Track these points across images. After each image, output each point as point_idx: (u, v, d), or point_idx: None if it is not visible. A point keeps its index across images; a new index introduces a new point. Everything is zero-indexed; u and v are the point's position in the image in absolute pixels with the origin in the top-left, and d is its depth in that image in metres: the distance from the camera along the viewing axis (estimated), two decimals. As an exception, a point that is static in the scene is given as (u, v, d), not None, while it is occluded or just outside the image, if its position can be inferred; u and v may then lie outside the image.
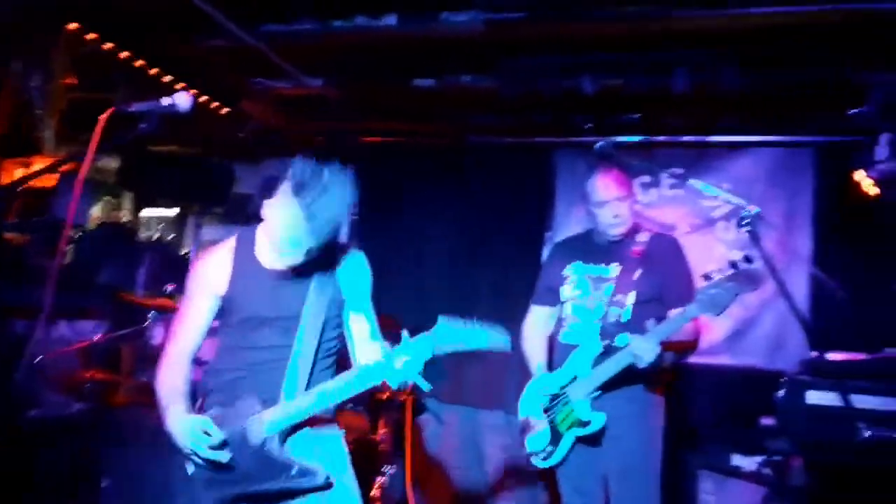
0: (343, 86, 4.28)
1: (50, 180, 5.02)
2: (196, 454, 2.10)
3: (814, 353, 2.82)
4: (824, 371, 2.49)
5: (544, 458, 2.95)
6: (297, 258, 2.16)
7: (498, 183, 4.98)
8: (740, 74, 3.62)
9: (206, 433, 2.08)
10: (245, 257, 2.30)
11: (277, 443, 2.11)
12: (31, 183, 4.81)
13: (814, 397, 2.58)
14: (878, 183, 3.96)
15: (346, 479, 2.26)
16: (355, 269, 2.35)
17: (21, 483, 3.46)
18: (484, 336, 2.01)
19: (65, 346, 4.02)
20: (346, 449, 2.32)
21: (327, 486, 2.11)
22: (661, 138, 4.62)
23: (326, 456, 2.23)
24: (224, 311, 2.31)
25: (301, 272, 2.24)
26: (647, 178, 4.68)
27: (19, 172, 4.95)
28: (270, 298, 2.24)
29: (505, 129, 4.86)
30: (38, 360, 3.59)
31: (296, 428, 2.18)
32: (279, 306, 2.23)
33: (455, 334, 1.99)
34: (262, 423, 2.12)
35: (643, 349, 2.62)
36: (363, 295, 2.35)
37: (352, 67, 4.07)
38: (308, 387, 2.19)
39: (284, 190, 2.07)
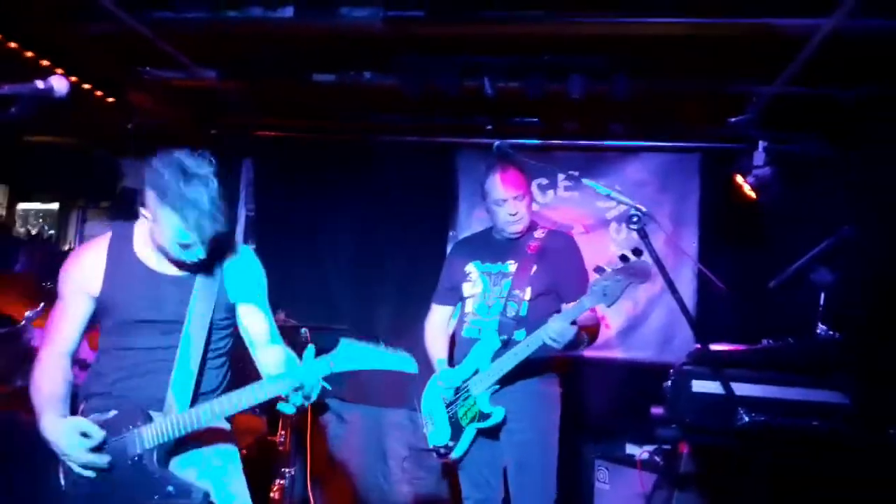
0: (238, 78, 4.13)
1: None
2: (73, 459, 2.01)
3: (698, 345, 2.98)
4: (708, 361, 2.63)
5: (445, 453, 2.99)
6: (184, 255, 2.09)
7: (401, 182, 4.97)
8: (631, 81, 3.76)
9: (83, 435, 2.00)
10: (121, 256, 2.21)
11: (155, 457, 2.05)
12: None
13: (699, 386, 2.72)
14: (754, 187, 4.23)
15: (232, 468, 2.25)
16: (244, 267, 2.30)
17: None
18: (388, 358, 2.01)
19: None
20: (239, 466, 2.28)
21: (204, 499, 2.05)
22: (558, 141, 4.76)
23: (217, 473, 2.19)
24: (101, 312, 2.21)
25: (184, 270, 2.19)
26: (544, 181, 4.82)
27: None
28: (150, 299, 2.16)
29: (407, 128, 4.86)
30: None
31: (183, 442, 2.11)
32: (161, 307, 2.16)
33: (358, 356, 2.00)
34: (141, 437, 2.05)
35: (557, 330, 2.66)
36: (255, 293, 2.29)
37: (248, 60, 3.94)
38: (197, 389, 2.13)
39: (162, 184, 2.01)
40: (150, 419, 2.07)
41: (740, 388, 2.51)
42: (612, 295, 2.57)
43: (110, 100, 4.13)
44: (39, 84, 1.90)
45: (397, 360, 2.01)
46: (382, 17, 3.24)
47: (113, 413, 2.09)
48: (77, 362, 3.78)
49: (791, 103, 3.89)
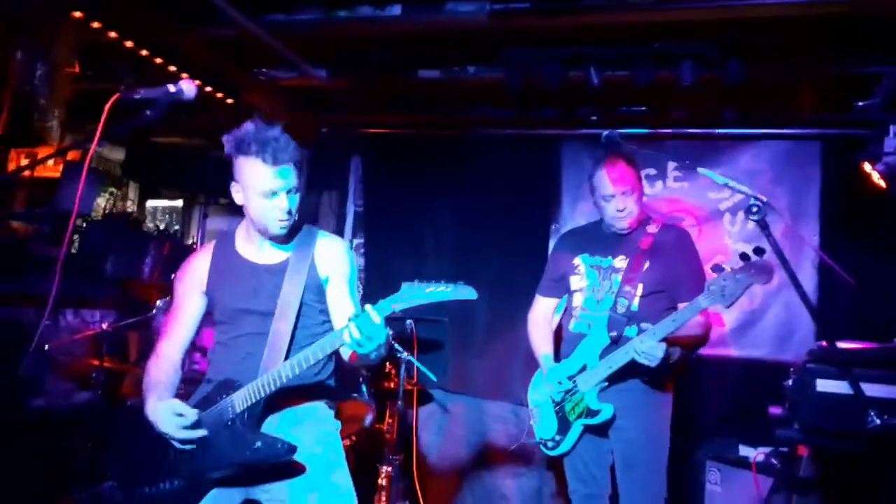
0: (347, 77, 4.26)
1: (54, 170, 5.03)
2: (171, 436, 2.19)
3: (822, 343, 2.80)
4: (834, 360, 2.47)
5: (552, 447, 2.98)
6: (275, 212, 2.24)
7: (503, 175, 4.96)
8: (746, 66, 3.59)
9: (179, 415, 2.18)
10: (224, 253, 2.41)
11: (246, 418, 2.20)
12: (37, 172, 4.83)
13: (823, 385, 2.55)
14: (884, 175, 3.93)
15: (333, 456, 2.32)
16: (332, 252, 2.40)
17: (24, 472, 3.47)
18: (447, 291, 2.05)
19: (70, 334, 4.04)
20: (341, 454, 2.36)
21: (291, 452, 2.17)
22: (667, 130, 4.60)
23: (318, 460, 2.27)
24: (211, 306, 2.41)
25: (277, 259, 2.35)
26: (652, 171, 4.65)
27: (25, 162, 4.96)
28: (249, 288, 2.33)
29: (510, 121, 4.85)
30: (45, 348, 3.60)
31: (273, 406, 2.25)
32: (258, 295, 2.31)
33: (417, 293, 2.03)
34: (232, 403, 2.22)
35: (645, 348, 2.63)
36: (343, 278, 2.39)
37: (356, 58, 4.05)
38: None
39: (238, 142, 2.23)
40: (240, 388, 2.23)
41: (870, 389, 2.35)
42: (731, 295, 2.48)
43: (230, 101, 4.36)
44: (170, 88, 2.04)
45: (456, 291, 2.05)
46: (489, 10, 3.25)
47: (209, 390, 2.29)
48: (199, 349, 4.04)
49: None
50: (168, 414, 2.18)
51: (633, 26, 3.46)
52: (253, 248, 2.38)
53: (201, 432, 2.20)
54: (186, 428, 2.18)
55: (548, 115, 4.70)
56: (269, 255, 2.37)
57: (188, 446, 2.21)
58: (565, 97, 4.25)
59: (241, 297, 2.33)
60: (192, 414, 2.19)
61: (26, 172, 4.86)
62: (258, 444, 2.16)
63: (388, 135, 5.20)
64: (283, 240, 2.36)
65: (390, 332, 2.13)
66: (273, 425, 2.28)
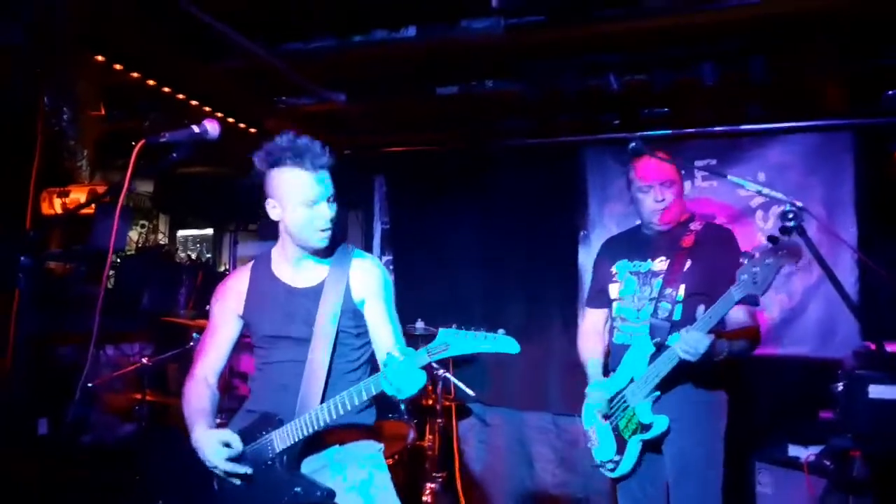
0: (366, 99, 4.29)
1: (87, 209, 5.12)
2: (215, 466, 2.16)
3: (870, 344, 2.71)
4: (885, 364, 2.39)
5: (612, 469, 2.80)
6: (316, 222, 2.18)
7: (528, 185, 4.95)
8: (769, 63, 3.53)
9: (226, 445, 2.15)
10: (261, 276, 2.35)
11: (285, 460, 2.16)
12: (69, 211, 4.93)
13: (876, 392, 2.47)
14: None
15: (382, 494, 2.26)
16: (367, 274, 2.31)
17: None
18: (487, 341, 1.96)
19: (111, 369, 4.10)
20: (387, 475, 2.31)
21: (330, 498, 2.13)
22: (691, 130, 4.53)
23: (363, 484, 2.23)
24: (250, 331, 2.37)
25: (313, 281, 2.28)
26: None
27: (58, 202, 5.06)
28: (285, 313, 2.27)
29: (531, 130, 4.83)
30: (90, 385, 3.66)
31: (314, 443, 2.20)
32: (294, 320, 2.26)
33: (456, 342, 1.95)
34: (272, 442, 2.18)
35: (690, 341, 2.46)
36: (380, 300, 2.30)
37: (374, 80, 4.08)
38: (324, 398, 2.19)
39: (272, 155, 2.19)
40: (280, 424, 2.19)
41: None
42: (763, 281, 2.32)
43: (252, 130, 4.41)
44: (195, 129, 2.07)
45: (497, 343, 1.97)
46: (503, 25, 3.24)
47: (249, 423, 2.25)
48: (239, 375, 4.08)
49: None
50: (215, 443, 2.15)
51: (650, 31, 3.42)
52: (289, 270, 2.31)
53: (245, 468, 2.16)
54: (231, 460, 2.15)
55: (569, 122, 4.68)
56: (305, 276, 2.30)
57: (232, 479, 2.18)
58: (586, 104, 4.22)
59: (277, 322, 2.27)
60: (238, 445, 2.15)
61: (60, 211, 4.96)
62: (297, 488, 2.13)
63: (410, 152, 5.23)
64: (322, 254, 2.29)
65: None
66: (318, 457, 2.24)
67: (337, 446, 2.26)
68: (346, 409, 2.08)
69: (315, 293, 2.26)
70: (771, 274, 2.32)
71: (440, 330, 1.95)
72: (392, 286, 2.36)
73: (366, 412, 2.29)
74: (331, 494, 2.13)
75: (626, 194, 2.98)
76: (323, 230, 2.20)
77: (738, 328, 2.65)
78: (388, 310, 2.29)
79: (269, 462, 2.18)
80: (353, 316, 2.27)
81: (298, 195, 2.15)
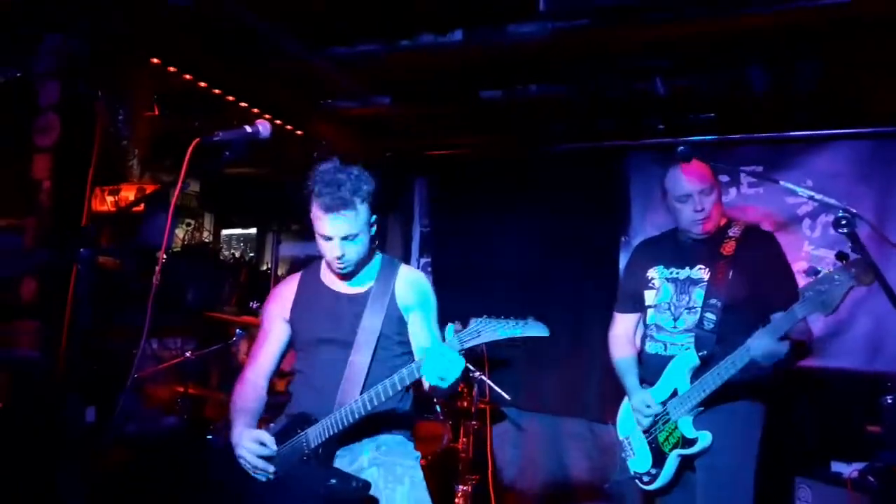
0: (410, 103, 4.32)
1: (137, 206, 5.27)
2: (246, 462, 2.23)
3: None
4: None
5: (649, 482, 2.73)
6: (334, 257, 2.23)
7: (570, 190, 4.93)
8: (818, 67, 3.46)
9: (260, 443, 2.23)
10: (310, 282, 2.44)
11: (320, 454, 2.22)
12: (121, 209, 5.08)
13: (925, 405, 2.41)
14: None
15: (412, 487, 2.29)
16: (412, 285, 2.37)
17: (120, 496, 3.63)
18: (518, 327, 1.99)
19: (155, 362, 4.20)
20: (421, 481, 2.33)
21: (365, 489, 2.18)
22: (738, 136, 4.47)
23: (398, 490, 2.26)
24: (294, 335, 2.44)
25: (359, 289, 2.35)
26: (725, 178, 4.52)
27: (109, 200, 5.22)
28: (330, 318, 2.34)
29: (574, 135, 4.81)
30: (136, 376, 3.76)
31: (353, 436, 2.25)
32: (338, 325, 2.32)
33: (488, 329, 2.00)
34: (308, 438, 2.24)
35: (765, 349, 2.38)
36: (423, 310, 2.35)
37: (419, 84, 4.11)
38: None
39: (313, 189, 2.22)
40: (315, 423, 2.25)
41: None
42: (831, 302, 2.25)
43: (299, 133, 4.49)
44: (247, 129, 2.12)
45: (527, 328, 1.99)
46: (550, 29, 3.23)
47: (284, 424, 2.31)
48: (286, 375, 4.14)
49: None
50: (249, 441, 2.23)
51: (697, 35, 3.38)
52: (336, 278, 2.37)
53: (275, 467, 2.23)
54: (262, 458, 2.22)
55: (613, 127, 4.65)
56: (351, 284, 2.37)
57: (261, 475, 2.24)
58: (630, 108, 4.20)
59: (323, 325, 2.34)
60: (272, 445, 2.23)
61: (111, 208, 5.11)
62: (332, 480, 2.17)
63: (452, 156, 5.25)
64: (367, 266, 2.36)
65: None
66: (353, 455, 2.29)
67: (375, 453, 2.29)
68: (381, 399, 2.12)
69: (362, 299, 2.33)
70: (840, 294, 2.25)
71: (471, 319, 2.00)
72: (435, 299, 2.41)
73: (404, 399, 2.34)
74: (366, 486, 2.18)
75: (667, 201, 2.92)
76: (336, 265, 2.26)
77: (799, 338, 2.53)
78: (431, 320, 2.35)
79: (305, 457, 2.23)
80: (396, 323, 2.33)
81: (316, 227, 2.25)
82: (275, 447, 2.23)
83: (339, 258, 2.24)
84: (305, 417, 2.27)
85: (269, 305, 2.49)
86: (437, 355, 1.99)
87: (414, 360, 2.34)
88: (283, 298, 2.46)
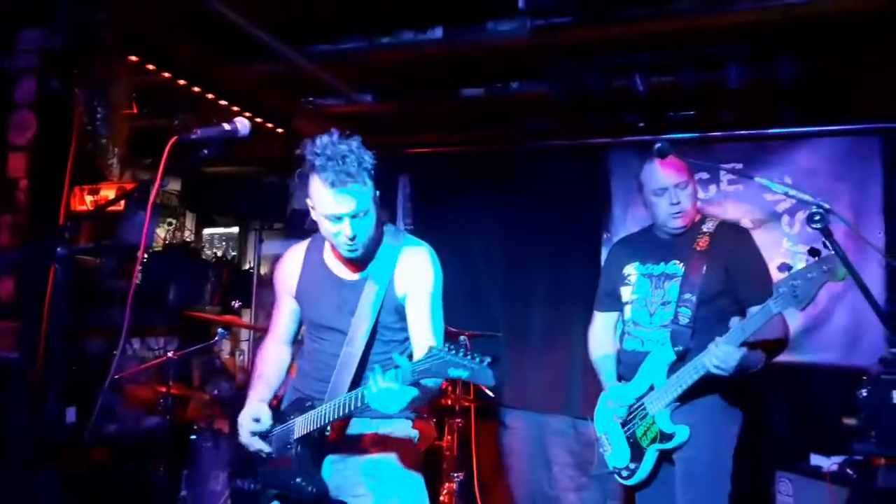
0: (392, 100, 4.32)
1: (116, 205, 5.22)
2: (243, 438, 2.23)
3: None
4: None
5: (628, 476, 2.73)
6: (340, 239, 2.10)
7: (552, 186, 4.94)
8: (797, 65, 3.50)
9: (256, 420, 2.21)
10: (313, 260, 2.35)
11: (299, 447, 2.19)
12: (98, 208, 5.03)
13: (900, 396, 2.45)
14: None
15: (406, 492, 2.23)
16: (414, 267, 2.22)
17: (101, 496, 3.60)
18: (464, 370, 1.77)
19: (137, 362, 4.17)
20: (424, 496, 2.26)
21: (318, 500, 2.14)
22: (717, 133, 4.51)
23: (377, 476, 2.20)
24: (302, 312, 2.39)
25: (359, 274, 2.24)
26: (704, 175, 4.56)
27: (88, 199, 5.17)
28: (331, 304, 2.25)
29: (556, 132, 4.83)
30: (117, 377, 3.73)
31: (351, 450, 2.21)
32: (340, 313, 2.23)
33: (437, 365, 1.80)
34: (294, 426, 2.21)
35: (721, 355, 2.39)
36: (423, 294, 2.19)
37: (400, 82, 4.10)
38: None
39: (313, 167, 2.07)
40: (308, 411, 2.19)
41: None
42: (804, 296, 2.24)
43: (280, 131, 4.47)
44: (226, 126, 2.10)
45: (476, 374, 1.76)
46: (530, 27, 3.24)
47: (287, 403, 2.30)
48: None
49: None
50: (247, 416, 2.22)
51: (677, 32, 3.41)
52: (338, 258, 2.25)
53: (265, 446, 2.22)
54: (255, 434, 2.21)
55: (594, 124, 4.67)
56: (352, 266, 2.24)
57: (255, 449, 2.22)
58: (611, 105, 4.22)
59: (325, 312, 2.25)
60: (266, 423, 2.21)
61: (90, 207, 5.06)
62: (298, 479, 2.16)
63: (435, 153, 5.25)
64: (369, 254, 2.21)
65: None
66: (351, 471, 2.23)
67: (373, 463, 2.21)
68: (330, 418, 2.08)
69: (360, 285, 2.21)
70: (813, 289, 2.24)
71: (431, 348, 1.83)
72: (441, 278, 2.24)
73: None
74: (323, 495, 2.15)
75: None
76: (346, 245, 2.11)
77: (770, 337, 2.54)
78: (430, 305, 2.19)
79: (289, 446, 2.22)
80: (395, 311, 2.20)
81: (321, 209, 2.08)
82: (268, 424, 2.21)
83: (350, 239, 2.07)
84: (300, 402, 2.24)
85: (277, 275, 2.41)
86: (379, 394, 1.87)
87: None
88: (288, 274, 2.36)
